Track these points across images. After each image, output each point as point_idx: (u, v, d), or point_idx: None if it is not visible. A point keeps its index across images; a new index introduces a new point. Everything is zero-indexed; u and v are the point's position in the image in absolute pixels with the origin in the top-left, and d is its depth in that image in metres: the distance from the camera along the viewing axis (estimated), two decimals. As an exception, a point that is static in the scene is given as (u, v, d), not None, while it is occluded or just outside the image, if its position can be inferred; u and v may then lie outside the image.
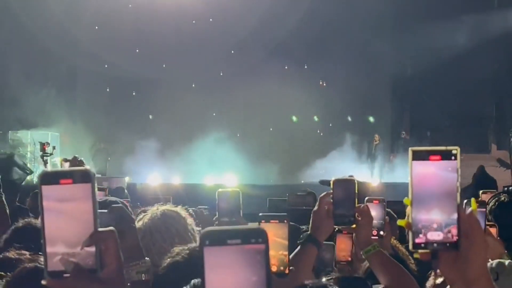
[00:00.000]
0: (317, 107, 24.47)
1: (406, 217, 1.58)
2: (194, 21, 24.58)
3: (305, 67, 24.81)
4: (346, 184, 2.81)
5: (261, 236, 1.24)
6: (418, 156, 1.57)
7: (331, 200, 2.79)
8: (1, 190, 5.25)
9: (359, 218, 2.81)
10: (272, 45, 24.75)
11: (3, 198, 5.17)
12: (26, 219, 3.89)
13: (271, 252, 2.19)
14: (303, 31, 24.08)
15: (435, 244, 1.55)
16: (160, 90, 24.10)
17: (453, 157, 1.56)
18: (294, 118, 25.09)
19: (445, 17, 22.77)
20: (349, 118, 24.91)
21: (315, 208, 2.81)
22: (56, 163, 21.06)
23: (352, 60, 23.91)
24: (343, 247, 3.65)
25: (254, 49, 24.84)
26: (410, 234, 1.56)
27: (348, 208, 2.79)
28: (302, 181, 21.66)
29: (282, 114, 24.48)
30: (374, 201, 3.31)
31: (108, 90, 24.52)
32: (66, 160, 5.54)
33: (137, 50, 24.58)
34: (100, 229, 1.45)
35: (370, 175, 21.69)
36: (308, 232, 2.82)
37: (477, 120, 23.33)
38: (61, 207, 1.42)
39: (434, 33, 22.45)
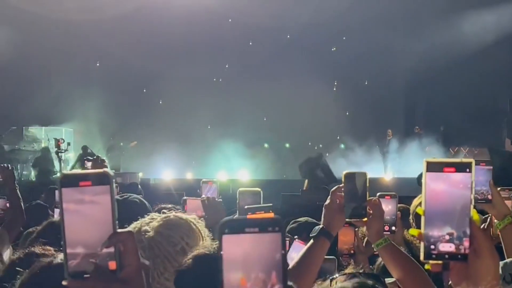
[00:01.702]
0: (330, 104, 24.44)
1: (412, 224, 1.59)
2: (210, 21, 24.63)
3: (319, 63, 24.78)
4: (358, 177, 2.81)
5: (277, 225, 1.28)
6: (433, 167, 1.57)
7: (343, 194, 2.80)
8: (16, 183, 5.30)
9: (371, 211, 2.82)
10: (287, 41, 24.79)
11: (18, 191, 5.22)
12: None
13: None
14: (315, 28, 24.06)
15: (446, 256, 1.56)
16: (172, 86, 24.14)
17: (467, 170, 1.57)
18: (308, 113, 25.06)
19: (459, 12, 22.68)
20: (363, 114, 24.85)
21: (327, 201, 2.82)
22: (71, 158, 21.19)
23: (365, 55, 23.86)
24: (345, 239, 3.66)
25: (270, 43, 24.86)
26: (422, 244, 1.57)
27: (360, 201, 2.79)
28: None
29: (297, 109, 24.45)
30: (386, 197, 3.31)
31: (120, 86, 24.57)
32: (88, 160, 5.57)
33: (149, 46, 24.62)
34: (119, 230, 1.48)
35: (383, 170, 21.63)
36: (321, 226, 2.84)
37: (491, 114, 23.18)
38: (81, 209, 1.45)
39: (448, 28, 22.36)
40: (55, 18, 22.96)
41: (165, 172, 21.22)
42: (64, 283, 1.46)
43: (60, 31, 23.45)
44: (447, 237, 1.55)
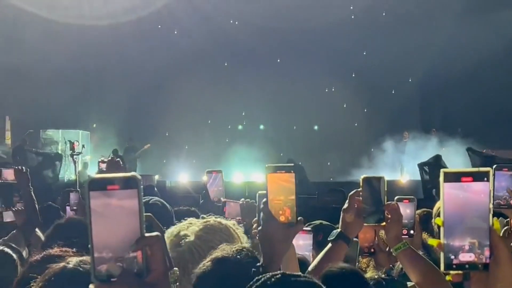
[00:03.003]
0: (344, 104, 24.41)
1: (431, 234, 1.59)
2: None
3: (336, 61, 24.76)
4: (375, 182, 2.80)
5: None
6: (450, 178, 1.57)
7: (361, 198, 2.79)
8: (30, 185, 5.32)
9: (389, 216, 2.81)
10: (303, 41, 24.79)
11: (32, 193, 5.24)
12: (71, 217, 3.97)
13: (279, 204, 2.20)
14: (332, 25, 24.05)
15: (467, 266, 1.55)
16: (188, 88, 24.23)
17: (485, 179, 1.56)
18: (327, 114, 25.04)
19: (479, 13, 22.57)
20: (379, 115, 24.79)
21: (345, 206, 2.81)
22: (87, 161, 21.31)
23: (382, 55, 23.78)
24: (365, 237, 3.64)
25: (285, 43, 24.90)
26: (442, 255, 1.57)
27: (378, 206, 2.79)
28: (331, 179, 21.61)
29: (312, 111, 24.43)
30: (404, 200, 3.29)
31: (136, 88, 24.69)
32: (103, 162, 5.55)
33: (165, 49, 24.74)
34: (146, 234, 1.48)
35: (400, 172, 21.52)
36: (339, 230, 2.83)
37: (509, 116, 23.00)
38: (108, 212, 1.45)
39: (468, 29, 22.23)
40: (70, 23, 23.13)
41: (181, 175, 21.27)
42: (91, 286, 1.46)
43: (75, 36, 23.62)
44: (467, 247, 1.55)
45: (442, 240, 1.56)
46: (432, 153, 20.10)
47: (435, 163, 16.67)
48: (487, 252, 1.55)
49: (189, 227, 2.76)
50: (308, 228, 3.74)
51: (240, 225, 2.95)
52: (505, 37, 21.92)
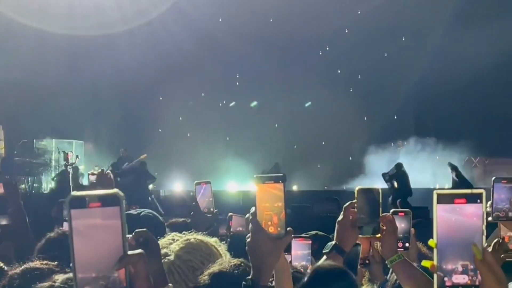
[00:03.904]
0: (341, 112, 24.46)
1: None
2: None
3: (331, 70, 24.85)
4: (371, 193, 2.80)
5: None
6: (443, 199, 1.57)
7: (356, 209, 2.78)
8: (20, 197, 5.22)
9: (384, 228, 2.80)
10: (305, 44, 24.89)
11: (22, 208, 5.12)
12: (62, 230, 3.92)
13: (268, 215, 2.18)
14: (326, 35, 24.13)
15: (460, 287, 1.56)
16: (181, 98, 24.26)
17: (478, 200, 1.56)
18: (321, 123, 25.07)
19: (474, 21, 22.66)
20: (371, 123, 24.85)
21: (340, 217, 2.80)
22: (81, 171, 21.26)
23: (377, 65, 23.86)
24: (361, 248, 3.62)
25: (280, 53, 24.96)
26: (436, 276, 1.57)
27: (373, 217, 2.78)
28: (326, 188, 21.62)
29: (308, 120, 24.47)
30: (399, 213, 3.29)
31: (130, 99, 24.68)
32: (92, 174, 5.51)
33: (159, 60, 24.78)
34: (129, 252, 1.46)
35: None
36: (333, 242, 2.82)
37: (503, 124, 23.07)
38: (90, 230, 1.42)
39: (463, 36, 22.30)
40: (62, 33, 23.13)
41: (176, 183, 21.26)
42: None
43: (68, 45, 23.64)
44: (461, 269, 1.55)
45: (435, 262, 1.56)
46: (427, 160, 20.18)
47: (398, 172, 16.80)
48: (480, 275, 1.55)
49: (171, 245, 2.72)
50: (307, 236, 3.73)
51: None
52: (503, 45, 21.98)
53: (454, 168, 16.35)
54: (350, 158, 23.56)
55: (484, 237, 1.56)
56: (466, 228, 1.55)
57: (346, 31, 24.62)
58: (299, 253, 3.44)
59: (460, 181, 16.34)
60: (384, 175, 16.65)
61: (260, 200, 2.19)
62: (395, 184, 16.53)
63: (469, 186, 16.47)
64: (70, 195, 1.44)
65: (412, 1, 23.76)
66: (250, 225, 2.23)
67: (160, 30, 24.93)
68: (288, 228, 2.18)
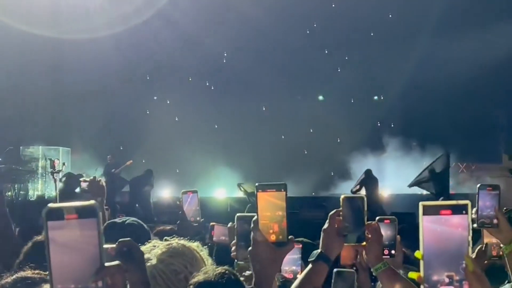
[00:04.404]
0: (325, 119, 24.51)
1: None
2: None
3: (316, 77, 24.91)
4: (356, 201, 2.80)
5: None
6: (429, 211, 1.58)
7: (341, 218, 2.79)
8: (5, 205, 5.18)
9: (369, 236, 2.81)
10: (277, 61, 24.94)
11: (8, 215, 5.08)
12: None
13: (269, 222, 2.17)
14: (310, 42, 24.20)
15: None
16: (167, 104, 24.25)
17: (464, 211, 1.58)
18: (308, 130, 25.12)
19: (457, 28, 22.81)
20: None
21: (325, 226, 2.80)
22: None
23: (362, 71, 23.96)
24: (347, 255, 3.63)
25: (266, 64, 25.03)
26: None
27: (358, 225, 2.78)
28: (313, 194, 21.64)
29: (295, 126, 24.50)
30: (385, 221, 3.29)
31: (117, 106, 24.62)
32: (84, 181, 5.49)
33: (145, 67, 24.77)
34: (106, 264, 1.46)
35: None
36: (319, 250, 2.82)
37: (488, 130, 23.24)
38: (67, 242, 1.42)
39: (445, 43, 22.44)
40: (48, 37, 23.02)
41: (164, 190, 21.21)
42: None
43: (53, 51, 23.54)
44: (447, 280, 1.56)
45: (422, 273, 1.57)
46: (413, 166, 20.23)
47: (368, 178, 17.00)
48: (466, 286, 1.56)
49: (152, 250, 2.69)
50: (298, 240, 3.73)
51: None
52: (484, 53, 22.14)
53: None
54: (336, 165, 23.59)
55: (470, 248, 1.57)
56: (452, 239, 1.56)
57: (329, 37, 24.72)
58: (289, 257, 3.44)
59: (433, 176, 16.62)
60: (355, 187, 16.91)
61: (262, 208, 2.20)
62: (364, 191, 16.74)
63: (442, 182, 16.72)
64: (47, 207, 1.43)
65: (397, 8, 23.86)
66: (252, 234, 2.22)
67: (146, 35, 24.89)
68: (289, 236, 2.19)
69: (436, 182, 17.36)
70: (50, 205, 1.45)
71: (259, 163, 22.61)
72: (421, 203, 1.59)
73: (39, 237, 3.80)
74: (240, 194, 18.99)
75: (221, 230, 4.33)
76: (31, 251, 3.61)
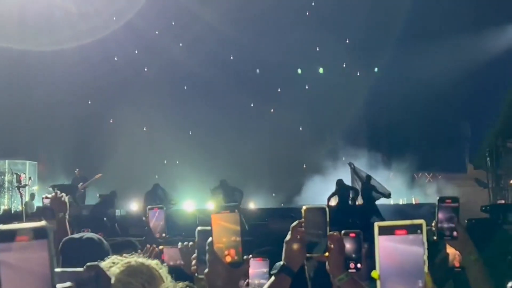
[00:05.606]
0: (293, 129, 24.59)
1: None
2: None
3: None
4: (318, 212, 2.81)
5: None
6: (384, 231, 1.59)
7: (303, 229, 2.79)
8: None
9: (332, 246, 2.82)
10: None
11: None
12: None
13: (224, 244, 2.19)
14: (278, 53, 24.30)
15: None
16: (134, 117, 24.13)
17: (418, 231, 1.59)
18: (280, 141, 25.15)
19: (422, 38, 23.08)
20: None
21: (287, 237, 2.80)
22: (34, 192, 20.91)
23: (326, 82, 24.12)
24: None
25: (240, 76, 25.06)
26: None
27: (321, 236, 2.79)
28: (282, 205, 21.65)
29: (261, 137, 24.53)
30: (350, 234, 3.30)
31: (84, 119, 24.43)
32: (46, 198, 5.40)
33: (112, 78, 24.64)
34: (58, 286, 1.45)
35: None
36: (282, 262, 2.82)
37: (453, 140, 23.53)
38: (18, 264, 1.41)
39: (409, 54, 22.66)
40: (13, 49, 22.82)
41: (132, 203, 21.06)
42: None
43: (19, 63, 23.33)
44: None
45: None
46: (378, 178, 20.32)
47: (340, 187, 17.21)
48: None
49: (111, 268, 2.66)
50: (264, 256, 3.72)
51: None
52: (447, 63, 22.40)
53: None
54: (305, 177, 23.64)
55: (425, 267, 1.58)
56: (407, 259, 1.57)
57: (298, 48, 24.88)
58: (257, 271, 3.44)
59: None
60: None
61: (216, 230, 2.21)
62: (334, 202, 16.89)
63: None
64: None
65: (361, 17, 24.06)
66: (207, 255, 2.23)
67: (113, 46, 24.79)
68: (244, 257, 2.20)
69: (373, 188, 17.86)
70: (1, 227, 1.43)
71: (226, 174, 22.56)
72: (376, 224, 1.60)
73: None
74: (209, 207, 18.99)
75: (171, 253, 4.17)
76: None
